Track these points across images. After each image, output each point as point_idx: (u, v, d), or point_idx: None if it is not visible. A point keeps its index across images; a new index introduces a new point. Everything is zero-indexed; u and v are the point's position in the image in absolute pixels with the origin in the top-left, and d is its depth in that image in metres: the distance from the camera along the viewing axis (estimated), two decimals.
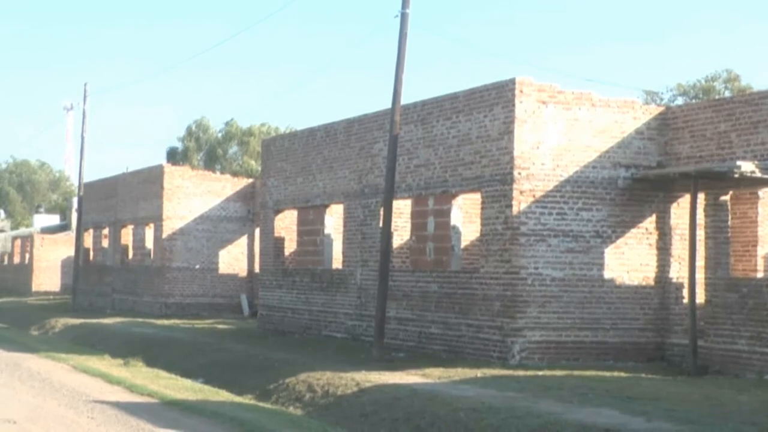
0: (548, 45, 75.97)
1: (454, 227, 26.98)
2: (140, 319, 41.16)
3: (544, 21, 78.75)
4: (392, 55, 26.14)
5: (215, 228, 46.33)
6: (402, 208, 28.03)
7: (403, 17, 26.19)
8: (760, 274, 23.80)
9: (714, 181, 23.43)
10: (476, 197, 25.86)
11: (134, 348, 30.77)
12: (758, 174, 22.28)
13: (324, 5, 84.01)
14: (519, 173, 24.11)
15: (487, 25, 76.90)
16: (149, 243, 48.44)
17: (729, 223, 23.92)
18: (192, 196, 46.16)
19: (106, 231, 53.89)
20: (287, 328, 33.28)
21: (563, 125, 24.52)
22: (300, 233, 34.66)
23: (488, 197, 24.97)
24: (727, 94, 46.63)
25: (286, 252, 35.55)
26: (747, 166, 22.19)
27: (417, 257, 28.24)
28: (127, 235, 51.17)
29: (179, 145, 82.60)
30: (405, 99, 26.72)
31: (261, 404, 21.14)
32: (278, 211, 35.39)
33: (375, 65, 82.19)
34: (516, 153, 24.11)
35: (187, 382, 23.73)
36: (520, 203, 24.14)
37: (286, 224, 35.35)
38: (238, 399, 21.55)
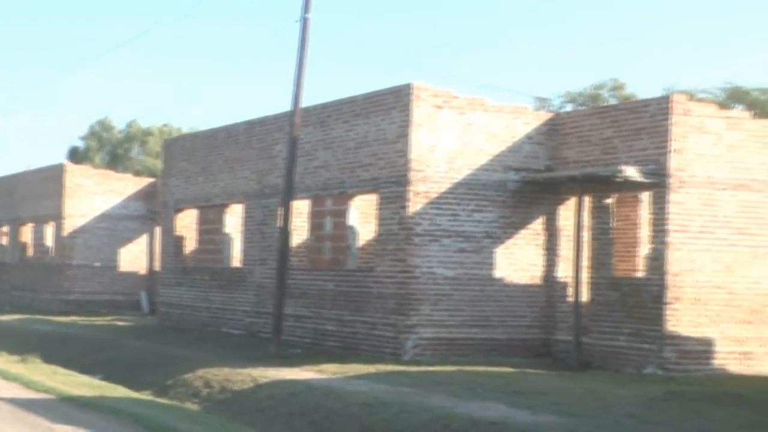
0: (444, 50, 76.72)
1: (351, 227, 27.15)
2: (39, 316, 40.50)
3: (441, 27, 79.47)
4: (294, 58, 26.14)
5: (116, 226, 45.89)
6: (300, 208, 28.11)
7: (304, 22, 26.24)
8: (640, 274, 24.26)
9: (599, 184, 23.90)
10: (373, 198, 26.03)
11: (32, 345, 30.31)
12: (640, 179, 22.83)
13: (228, 8, 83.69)
14: (414, 175, 24.32)
15: (385, 30, 77.36)
16: (49, 241, 47.84)
17: (612, 225, 24.47)
18: (93, 195, 45.67)
19: (5, 228, 53.02)
20: (186, 325, 33.15)
21: (457, 129, 24.80)
22: (200, 232, 34.59)
23: (384, 198, 25.17)
24: (613, 101, 47.26)
25: (186, 250, 35.41)
26: (630, 171, 22.69)
27: (314, 256, 28.37)
28: (26, 233, 50.45)
29: (81, 145, 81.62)
30: (305, 102, 26.79)
31: (159, 400, 20.99)
32: (179, 210, 35.23)
33: (278, 68, 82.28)
34: (412, 156, 24.33)
35: (85, 379, 23.50)
36: (415, 204, 24.36)
37: (187, 223, 35.21)
38: (135, 395, 21.38)
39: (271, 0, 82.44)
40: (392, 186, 24.82)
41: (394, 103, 25.01)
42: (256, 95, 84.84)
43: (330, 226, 27.75)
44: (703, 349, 22.93)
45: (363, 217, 27.61)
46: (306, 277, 27.89)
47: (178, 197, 35.16)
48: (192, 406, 20.64)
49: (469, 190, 24.90)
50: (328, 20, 70.12)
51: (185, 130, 70.99)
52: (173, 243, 35.41)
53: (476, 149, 24.98)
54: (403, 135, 24.57)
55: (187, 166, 34.80)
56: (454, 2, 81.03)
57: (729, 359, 23.10)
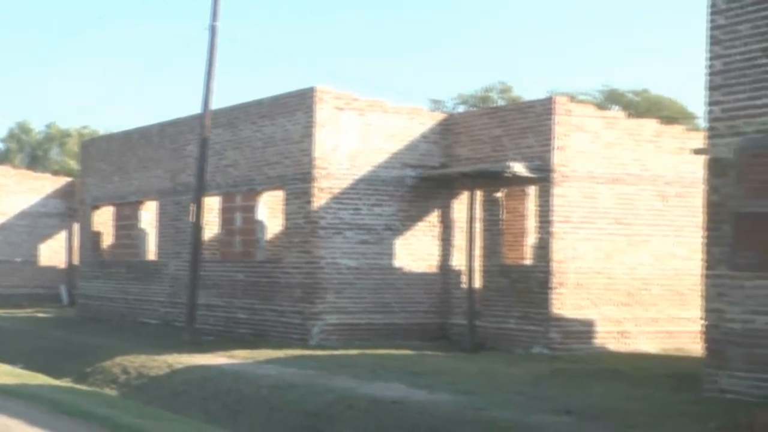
0: (346, 55, 76.96)
1: (260, 222, 27.11)
2: None
3: (342, 32, 79.70)
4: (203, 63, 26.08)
5: (36, 223, 45.24)
6: (212, 205, 28.02)
7: (213, 30, 26.15)
8: (527, 262, 24.57)
9: (489, 179, 24.16)
10: (280, 194, 26.03)
11: None
12: (526, 174, 23.11)
13: (143, 13, 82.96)
14: (318, 172, 24.39)
15: (291, 34, 77.37)
16: None
17: (502, 216, 24.76)
18: (13, 194, 44.96)
19: None
20: (104, 316, 32.85)
21: (358, 130, 24.90)
22: (117, 228, 34.30)
23: (291, 194, 25.21)
24: (501, 103, 47.75)
25: (104, 245, 35.11)
26: (517, 167, 22.99)
27: (226, 249, 28.29)
28: None
29: (1, 146, 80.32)
30: (215, 104, 26.73)
31: (78, 386, 20.77)
32: (96, 208, 34.92)
33: (190, 72, 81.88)
34: (316, 154, 24.39)
35: (6, 368, 23.12)
36: (319, 200, 24.42)
37: (104, 219, 34.90)
38: (56, 382, 21.12)
39: (188, 4, 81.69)
40: (298, 183, 24.86)
41: (298, 105, 25.05)
42: (172, 97, 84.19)
43: (240, 221, 27.69)
44: (585, 329, 23.32)
45: (271, 212, 27.57)
46: (218, 269, 27.81)
47: (95, 195, 34.82)
48: (110, 391, 20.52)
49: (369, 185, 25.03)
50: (235, 26, 69.87)
51: (102, 131, 70.21)
52: (91, 238, 35.10)
53: (376, 148, 25.11)
54: (307, 135, 24.62)
55: (103, 166, 34.50)
56: (356, 10, 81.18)
57: (608, 338, 23.51)
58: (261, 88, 77.45)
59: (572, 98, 27.21)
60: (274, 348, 23.15)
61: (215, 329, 26.99)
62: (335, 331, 24.38)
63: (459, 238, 25.52)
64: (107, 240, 34.97)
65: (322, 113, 24.52)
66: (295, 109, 25.18)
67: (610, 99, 50.28)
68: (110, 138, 36.76)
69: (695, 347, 19.50)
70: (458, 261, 25.50)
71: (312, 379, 17.99)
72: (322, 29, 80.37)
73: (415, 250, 25.55)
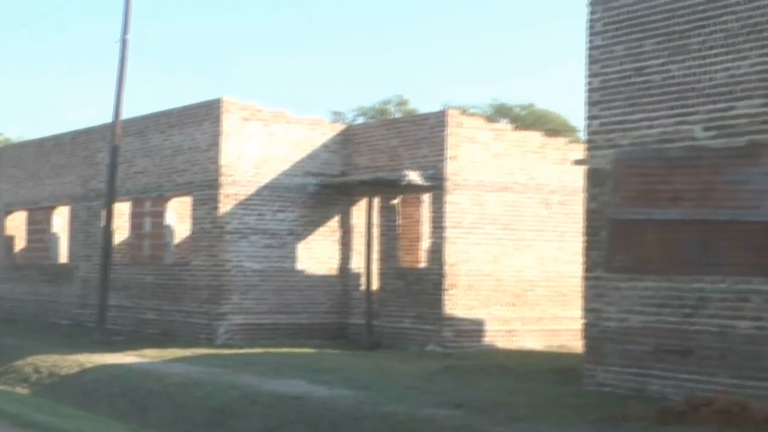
0: (252, 67, 76.65)
1: (168, 226, 26.92)
2: None
3: (247, 45, 79.33)
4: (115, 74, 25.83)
5: None
6: (122, 210, 27.72)
7: (124, 43, 25.92)
8: (422, 265, 24.75)
9: (386, 187, 24.28)
10: (188, 200, 25.90)
11: None
12: (421, 182, 23.29)
13: (58, 20, 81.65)
14: (224, 180, 24.33)
15: (198, 46, 77.02)
16: None
17: (398, 222, 24.93)
18: None
19: None
20: (17, 317, 32.25)
21: (263, 139, 24.89)
22: (29, 232, 33.72)
23: (198, 200, 25.10)
24: (398, 115, 47.96)
25: (17, 249, 34.48)
26: (412, 176, 23.16)
27: (135, 252, 28.03)
28: None
29: None
30: (126, 113, 26.50)
31: None
32: (9, 213, 34.27)
33: (103, 81, 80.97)
34: (222, 162, 24.33)
35: None
36: (225, 206, 24.36)
37: (17, 224, 34.24)
38: None
39: (101, 13, 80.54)
40: (205, 189, 24.76)
41: (205, 115, 24.97)
42: (85, 105, 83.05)
43: (149, 226, 27.46)
44: (476, 328, 23.57)
45: (179, 217, 27.42)
46: (127, 272, 27.56)
47: (8, 201, 34.21)
48: (22, 390, 20.19)
49: (273, 192, 25.02)
50: (144, 36, 69.10)
51: (15, 139, 68.89)
52: (4, 242, 34.44)
53: (279, 157, 25.12)
54: (214, 144, 24.55)
55: (16, 173, 33.92)
56: (261, 24, 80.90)
57: (497, 336, 23.78)
58: (170, 99, 76.74)
59: (464, 111, 27.56)
60: (181, 347, 22.98)
61: (125, 329, 26.73)
62: (240, 331, 24.32)
63: (358, 243, 25.63)
64: (20, 244, 34.33)
65: (228, 123, 24.46)
66: (202, 119, 25.09)
67: (499, 112, 50.83)
68: (23, 145, 36.18)
69: (576, 344, 19.78)
70: (357, 264, 25.61)
71: (218, 377, 17.91)
72: (229, 39, 79.90)
73: (317, 254, 25.59)
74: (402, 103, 53.50)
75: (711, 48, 14.87)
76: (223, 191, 24.35)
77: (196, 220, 25.25)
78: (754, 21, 14.38)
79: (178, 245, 27.58)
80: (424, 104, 75.58)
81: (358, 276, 25.54)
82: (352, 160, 25.86)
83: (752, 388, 13.86)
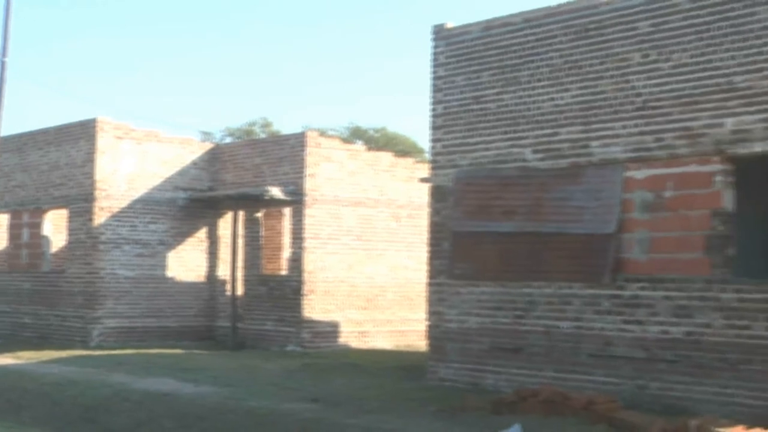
0: (128, 93, 75.31)
1: (45, 237, 26.26)
2: None
3: (123, 70, 78.14)
4: None
5: None
6: (1, 221, 27.02)
7: (2, 65, 25.24)
8: (283, 272, 24.74)
9: (250, 202, 24.21)
10: (64, 212, 25.36)
11: None
12: (282, 197, 23.30)
13: None
14: (99, 194, 23.90)
15: (75, 72, 75.35)
16: None
17: (261, 233, 24.86)
18: None
19: None
20: None
21: (135, 156, 24.56)
22: None
23: (74, 213, 24.60)
24: (263, 135, 47.81)
25: None
26: (274, 191, 23.14)
27: (13, 261, 27.23)
28: None
29: None
30: (5, 131, 25.81)
31: None
32: None
33: None
34: (97, 177, 23.91)
35: None
36: (99, 217, 23.93)
37: None
38: None
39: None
40: (80, 202, 24.30)
41: (81, 134, 24.51)
42: None
43: (27, 236, 26.73)
44: (331, 330, 23.65)
45: (56, 228, 26.79)
46: (5, 279, 26.80)
47: None
48: None
49: (145, 205, 24.70)
50: (26, 61, 67.30)
51: None
52: None
53: (151, 173, 24.82)
54: (89, 160, 24.12)
55: None
56: (141, 57, 79.62)
57: (350, 337, 23.91)
58: (48, 117, 74.82)
59: (322, 133, 27.64)
60: (57, 349, 22.43)
61: (2, 333, 25.97)
62: (113, 334, 23.90)
63: (224, 252, 25.47)
64: None
65: (102, 141, 24.07)
66: (78, 137, 24.62)
67: (355, 134, 51.10)
68: None
69: (422, 344, 20.04)
70: (223, 272, 25.43)
71: (91, 376, 17.55)
72: (105, 60, 78.40)
73: (186, 262, 25.33)
74: (266, 124, 53.37)
75: (538, 80, 15.29)
76: (98, 204, 23.93)
77: (71, 231, 24.73)
78: (575, 58, 14.86)
79: (55, 254, 26.92)
80: (286, 126, 75.62)
81: (224, 282, 25.36)
82: (219, 176, 25.70)
83: (573, 381, 14.28)
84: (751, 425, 11.03)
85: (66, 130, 25.20)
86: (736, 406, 12.55)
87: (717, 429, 10.77)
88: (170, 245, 25.13)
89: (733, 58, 13.06)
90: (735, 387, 12.77)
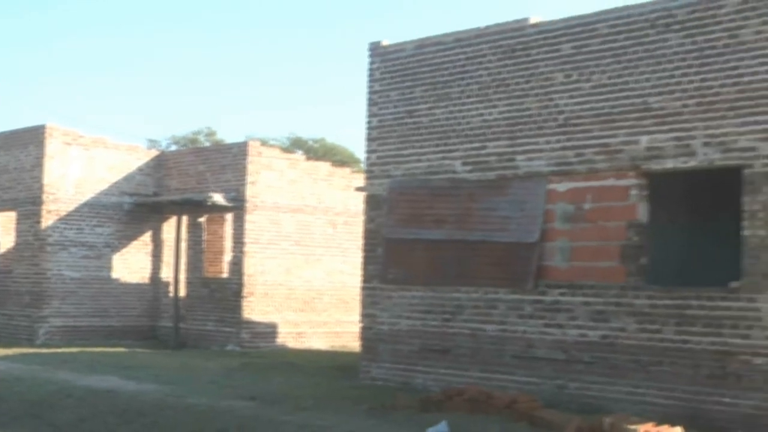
0: (76, 99, 74.28)
1: None
2: None
3: (72, 78, 77.09)
4: None
5: None
6: None
7: None
8: (224, 275, 24.62)
9: (194, 207, 24.04)
10: (13, 215, 24.98)
11: None
12: (224, 203, 23.21)
13: None
14: (47, 197, 23.60)
15: (23, 81, 74.19)
16: None
17: (204, 238, 24.70)
18: None
19: None
20: None
21: (83, 162, 24.29)
22: None
23: (22, 215, 24.23)
24: (207, 144, 47.53)
25: None
26: (217, 197, 23.06)
27: None
28: None
29: None
30: None
31: None
32: None
33: None
34: (45, 181, 23.59)
35: None
36: (47, 220, 23.62)
37: None
38: None
39: None
40: (29, 205, 23.94)
41: (30, 139, 24.16)
42: None
43: None
44: (270, 330, 23.60)
45: (4, 229, 26.35)
46: None
47: None
48: None
49: (92, 209, 24.43)
50: None
51: None
52: None
53: (98, 178, 24.55)
54: (38, 165, 23.78)
55: None
56: (86, 62, 78.55)
57: (288, 338, 23.86)
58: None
59: (264, 142, 27.54)
60: (3, 347, 21.95)
61: None
62: (59, 332, 23.58)
63: (168, 255, 25.27)
64: None
65: (51, 147, 23.76)
66: (27, 142, 24.26)
67: (295, 144, 51.03)
68: None
69: (355, 344, 20.03)
70: (166, 274, 25.23)
71: (36, 373, 17.26)
72: (58, 68, 77.21)
73: (130, 264, 25.09)
74: (210, 133, 53.10)
75: (468, 97, 15.41)
76: (46, 207, 23.61)
77: (20, 233, 24.36)
78: (503, 76, 15.01)
79: (3, 255, 26.48)
80: (230, 135, 75.10)
81: (167, 284, 25.15)
82: (164, 182, 25.50)
83: (497, 380, 14.38)
84: (660, 422, 11.21)
85: (15, 136, 24.83)
86: (647, 405, 12.76)
87: (628, 426, 10.92)
88: (116, 248, 24.87)
89: (647, 80, 13.30)
90: (646, 387, 12.99)
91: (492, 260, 14.82)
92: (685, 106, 12.88)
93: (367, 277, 16.62)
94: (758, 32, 12.27)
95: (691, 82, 12.83)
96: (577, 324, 13.81)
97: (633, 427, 10.88)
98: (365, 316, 16.63)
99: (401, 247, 16.03)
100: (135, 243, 25.23)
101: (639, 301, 13.20)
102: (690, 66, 12.86)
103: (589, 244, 13.77)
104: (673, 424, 11.18)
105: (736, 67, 12.43)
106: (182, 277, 24.45)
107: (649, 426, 10.90)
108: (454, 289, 15.32)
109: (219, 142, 45.34)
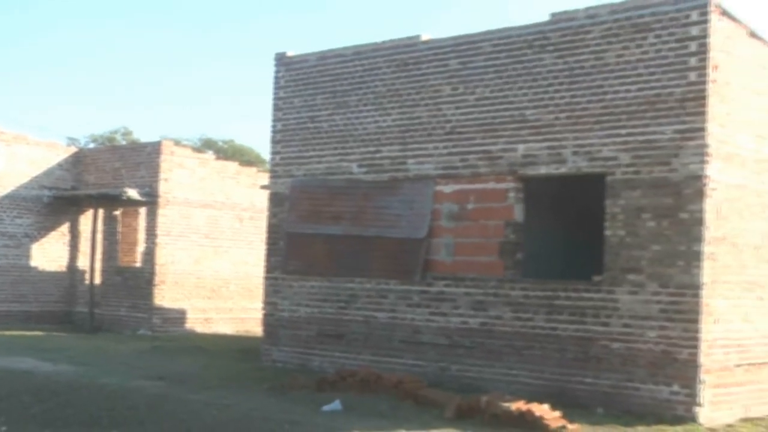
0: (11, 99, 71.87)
1: None
2: None
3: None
4: None
5: None
6: None
7: None
8: (138, 265, 24.17)
9: (110, 201, 23.54)
10: None
11: None
12: (138, 198, 22.77)
13: None
14: None
15: None
16: None
17: (119, 230, 24.20)
18: None
19: None
20: None
21: (5, 157, 23.54)
22: None
23: None
24: (123, 143, 46.65)
25: None
26: (131, 192, 22.61)
27: None
28: None
29: None
30: None
31: None
32: None
33: None
34: None
35: None
36: None
37: None
38: None
39: None
40: None
41: None
42: None
43: None
44: (179, 316, 23.25)
45: None
46: None
47: None
48: None
49: (12, 201, 23.71)
50: None
51: None
52: None
53: (19, 172, 23.83)
54: None
55: None
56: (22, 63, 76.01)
57: (196, 323, 23.56)
58: None
59: (176, 142, 27.09)
60: None
61: None
62: None
63: (84, 245, 24.69)
64: None
65: None
66: None
67: (206, 145, 50.51)
68: None
69: (259, 330, 19.89)
70: (83, 263, 24.65)
71: None
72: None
73: (49, 254, 24.43)
74: (127, 133, 52.14)
75: (365, 105, 15.40)
76: None
77: None
78: (396, 87, 15.04)
79: None
80: (145, 135, 73.73)
81: (83, 272, 24.58)
82: (82, 177, 24.88)
83: (386, 363, 14.41)
84: (530, 400, 11.39)
85: None
86: (520, 385, 12.96)
87: (502, 404, 11.08)
88: (35, 238, 24.18)
89: (525, 94, 13.50)
90: (519, 369, 13.19)
91: (384, 254, 14.84)
92: (557, 118, 13.11)
93: (270, 268, 16.50)
94: (619, 56, 12.58)
95: (563, 97, 13.07)
96: (459, 312, 13.94)
97: (507, 404, 11.04)
98: (267, 303, 16.50)
99: (301, 240, 15.95)
100: (53, 234, 24.58)
101: (514, 293, 13.39)
102: (561, 83, 13.10)
103: (471, 241, 13.91)
104: (541, 401, 11.37)
105: (601, 86, 12.72)
106: (98, 266, 23.91)
107: (520, 403, 11.07)
108: (349, 279, 15.29)
109: (135, 141, 44.53)
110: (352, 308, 15.25)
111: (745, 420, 12.08)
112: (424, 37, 14.84)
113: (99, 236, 23.98)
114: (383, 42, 15.32)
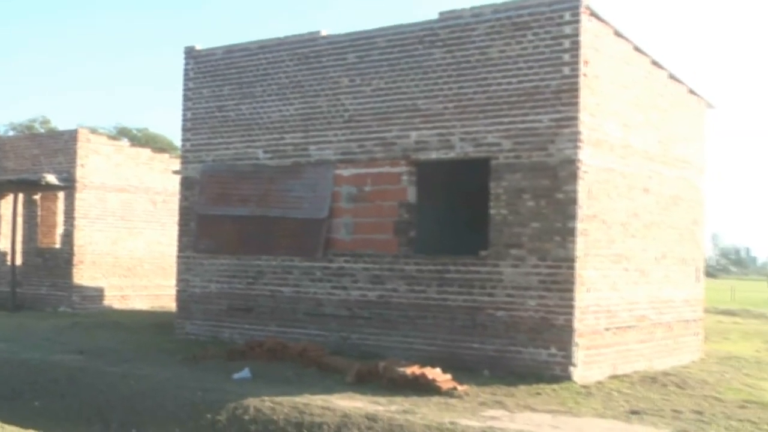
0: None
1: None
2: None
3: None
4: None
5: None
6: None
7: None
8: (57, 246, 23.27)
9: (29, 186, 22.53)
10: None
11: None
12: (57, 183, 21.91)
13: None
14: None
15: None
16: None
17: (39, 213, 23.24)
18: None
19: None
20: None
21: None
22: None
23: None
24: (42, 131, 44.98)
25: None
26: (50, 178, 21.72)
27: None
28: None
29: None
30: None
31: None
32: None
33: None
34: None
35: None
36: None
37: None
38: None
39: None
40: None
41: None
42: None
43: None
44: (98, 294, 22.52)
45: None
46: None
47: None
48: None
49: None
50: None
51: None
52: None
53: None
54: None
55: None
56: None
57: (114, 300, 22.85)
58: None
59: (93, 130, 26.12)
60: None
61: None
62: None
63: (5, 228, 23.63)
64: None
65: None
66: None
67: (122, 133, 49.26)
68: None
69: (172, 305, 19.47)
70: (4, 245, 23.60)
71: None
72: None
73: None
74: (45, 121, 50.41)
75: (269, 95, 15.14)
76: None
77: None
78: (298, 79, 14.81)
79: None
80: (63, 123, 71.34)
81: (5, 254, 23.53)
82: (1, 164, 23.76)
83: (292, 334, 14.29)
84: (424, 365, 11.37)
85: None
86: (414, 351, 12.94)
87: (398, 369, 11.02)
88: None
89: (416, 86, 13.40)
90: (413, 336, 13.16)
91: (288, 233, 14.67)
92: (446, 108, 13.06)
93: (182, 248, 16.16)
94: (502, 51, 12.58)
95: (451, 89, 13.03)
96: (359, 286, 13.83)
97: (402, 369, 11.00)
98: (180, 280, 16.15)
99: (211, 222, 15.65)
100: None
101: (408, 267, 13.34)
102: (450, 76, 13.05)
103: (369, 220, 13.81)
104: (434, 365, 11.37)
105: (485, 78, 12.71)
106: (19, 247, 22.89)
107: (415, 368, 11.04)
108: (257, 257, 15.08)
109: (53, 129, 43.01)
110: (259, 284, 15.01)
111: (613, 377, 12.33)
112: (324, 32, 14.61)
113: (19, 219, 22.96)
114: (286, 37, 15.05)
